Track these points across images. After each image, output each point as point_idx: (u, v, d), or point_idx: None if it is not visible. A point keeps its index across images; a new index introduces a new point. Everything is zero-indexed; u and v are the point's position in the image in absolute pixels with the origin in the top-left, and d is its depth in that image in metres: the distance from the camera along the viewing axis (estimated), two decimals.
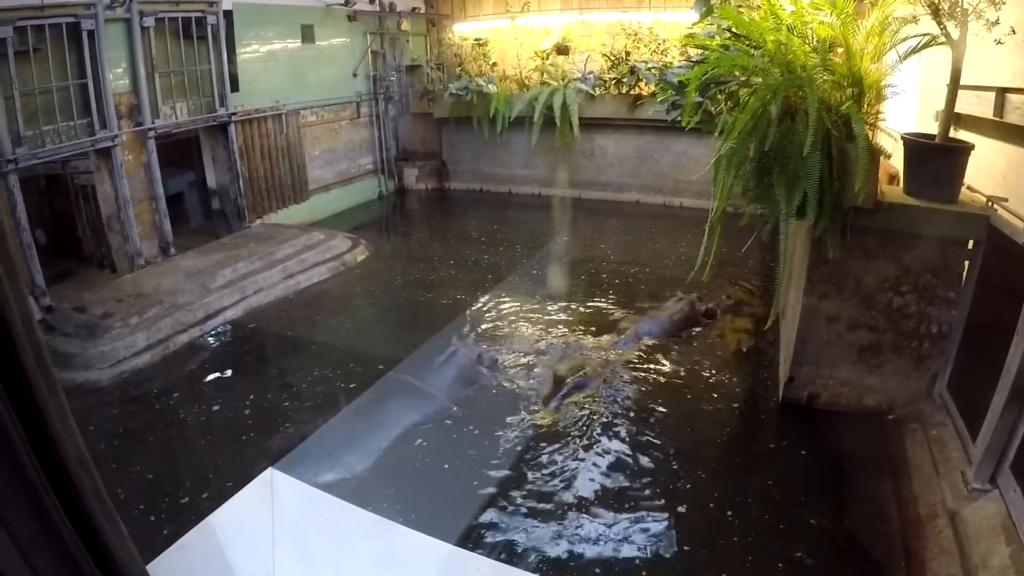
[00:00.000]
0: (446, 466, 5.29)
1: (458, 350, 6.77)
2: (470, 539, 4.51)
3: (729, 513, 4.72)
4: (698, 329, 7.59)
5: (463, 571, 2.52)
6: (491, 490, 5.01)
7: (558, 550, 4.44)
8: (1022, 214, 4.15)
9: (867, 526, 4.49)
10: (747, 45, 5.15)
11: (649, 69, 12.19)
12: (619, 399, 6.19)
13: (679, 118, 6.24)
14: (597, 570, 4.29)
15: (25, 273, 7.38)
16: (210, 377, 6.92)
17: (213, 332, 7.79)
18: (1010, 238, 4.29)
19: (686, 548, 4.44)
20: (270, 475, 2.76)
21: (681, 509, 4.77)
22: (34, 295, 7.45)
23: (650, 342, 7.23)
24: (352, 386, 6.54)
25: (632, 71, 12.56)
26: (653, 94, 12.16)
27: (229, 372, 7.00)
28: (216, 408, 6.35)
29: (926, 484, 4.48)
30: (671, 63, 11.85)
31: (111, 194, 8.61)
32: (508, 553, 4.41)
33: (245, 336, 7.84)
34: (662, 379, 6.54)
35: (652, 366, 6.79)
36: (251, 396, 6.44)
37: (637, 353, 7.00)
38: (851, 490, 4.88)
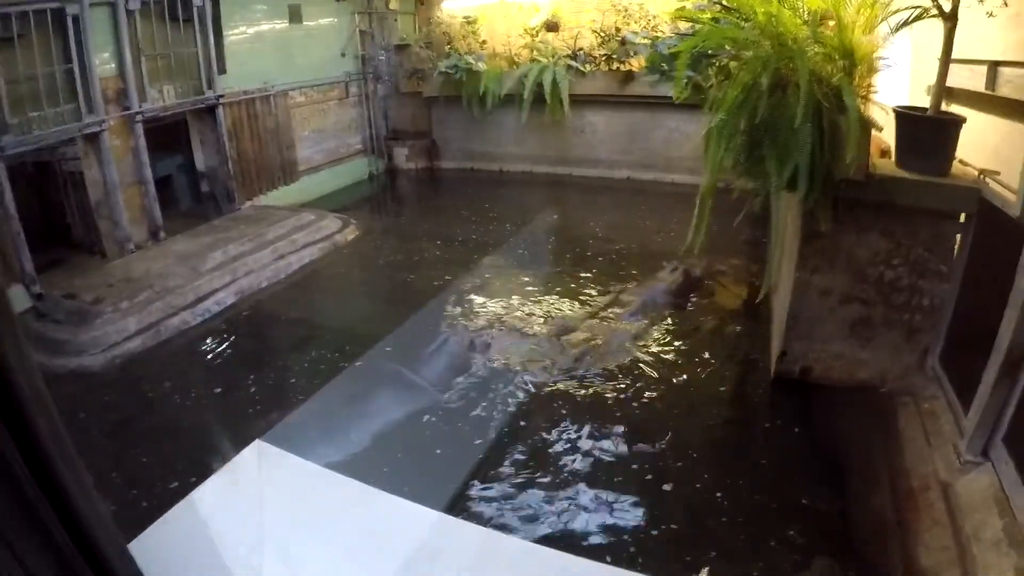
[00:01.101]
0: (438, 451, 5.30)
1: (448, 338, 6.72)
2: (457, 509, 4.54)
3: (719, 494, 4.74)
4: (695, 298, 7.60)
5: (454, 538, 2.52)
6: (479, 461, 5.05)
7: (544, 526, 4.47)
8: (1014, 187, 4.14)
9: (860, 499, 4.52)
10: (738, 18, 5.11)
11: (641, 41, 12.11)
12: (620, 370, 6.22)
13: (670, 92, 6.21)
14: (583, 544, 4.32)
15: (15, 261, 7.34)
16: (202, 359, 6.91)
17: (204, 315, 7.74)
18: (1002, 211, 4.27)
19: (673, 527, 4.47)
20: (257, 447, 2.74)
21: (672, 485, 4.80)
22: (24, 282, 7.41)
23: (652, 313, 7.24)
24: (344, 366, 6.54)
25: (623, 42, 12.46)
26: (644, 69, 12.11)
27: (221, 354, 6.99)
28: (209, 390, 6.35)
29: (918, 457, 4.48)
30: (662, 36, 11.80)
31: (99, 180, 8.54)
32: (496, 524, 4.43)
33: (237, 318, 7.81)
34: (659, 352, 6.55)
35: (652, 338, 6.82)
36: (244, 377, 6.43)
37: (639, 324, 7.01)
38: (844, 463, 4.90)
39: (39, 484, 1.03)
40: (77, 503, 1.09)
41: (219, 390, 6.33)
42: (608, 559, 4.12)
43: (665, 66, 7.29)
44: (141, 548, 1.96)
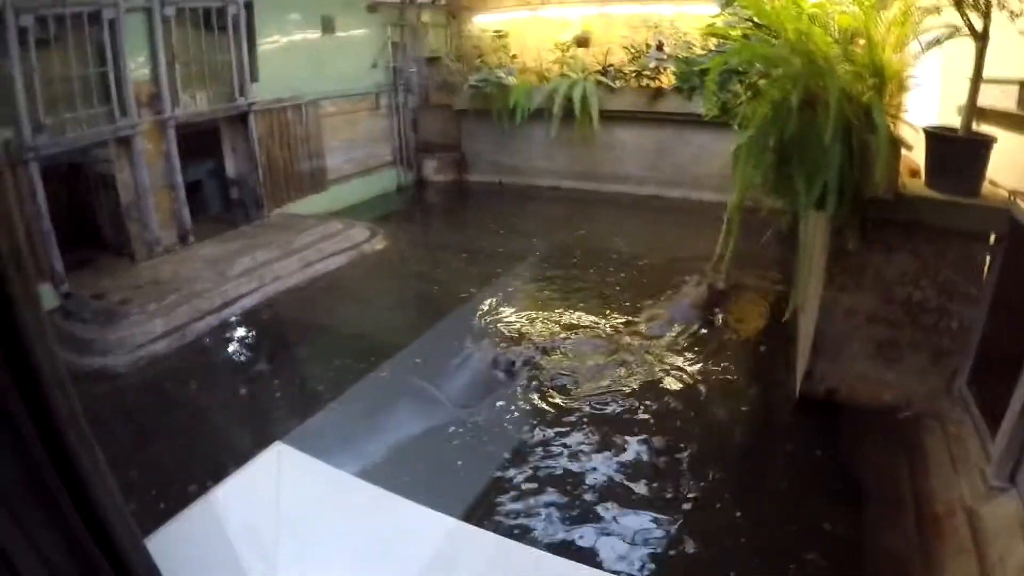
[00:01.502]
0: (458, 463, 5.31)
1: (473, 354, 6.62)
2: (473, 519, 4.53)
3: (738, 514, 4.69)
4: (720, 314, 7.57)
5: (470, 546, 2.51)
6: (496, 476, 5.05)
7: (559, 541, 4.47)
8: None
9: (883, 524, 4.45)
10: (768, 35, 5.11)
11: (671, 54, 12.13)
12: (643, 387, 6.22)
13: (699, 109, 6.21)
14: (598, 560, 4.31)
15: (44, 260, 7.45)
16: (227, 363, 6.96)
17: (230, 319, 7.81)
18: None
19: (690, 549, 4.43)
20: (277, 449, 2.75)
21: (692, 505, 4.76)
22: (53, 281, 7.54)
23: (677, 329, 7.21)
24: (366, 374, 6.55)
25: (660, 47, 12.41)
26: (674, 87, 12.11)
27: (245, 358, 7.04)
28: (232, 393, 6.40)
29: (944, 481, 4.42)
30: (693, 52, 11.80)
31: (130, 182, 8.67)
32: (511, 535, 4.41)
33: (262, 323, 7.87)
34: (683, 370, 6.52)
35: (676, 355, 6.80)
36: (267, 382, 6.48)
37: (664, 341, 7.01)
38: (868, 487, 4.84)
39: (57, 469, 1.04)
40: (94, 490, 1.10)
41: (242, 393, 6.38)
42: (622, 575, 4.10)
43: (696, 79, 7.30)
44: (157, 544, 1.97)
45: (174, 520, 2.24)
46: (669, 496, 4.86)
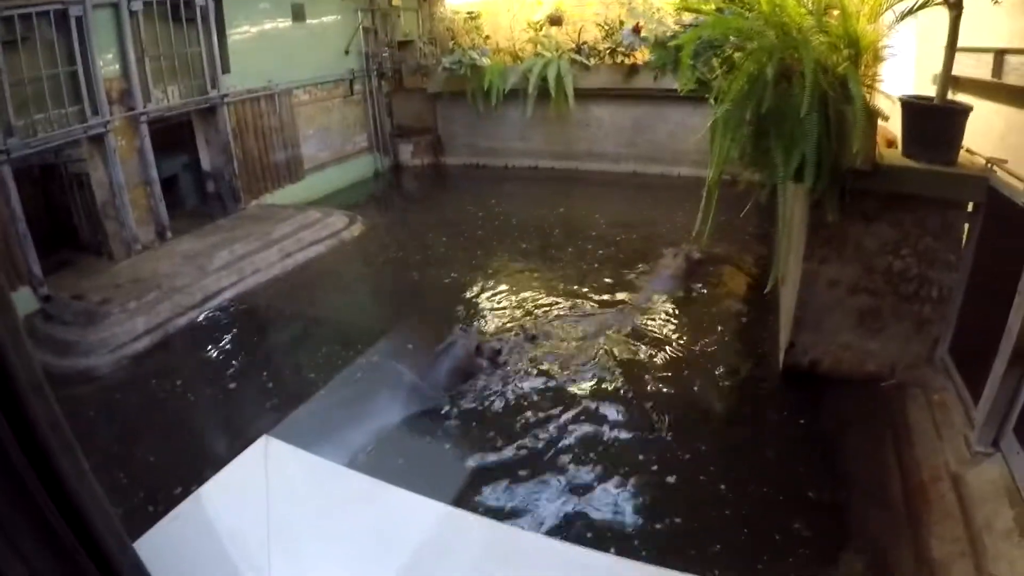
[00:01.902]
0: (445, 447, 5.33)
1: (457, 341, 6.47)
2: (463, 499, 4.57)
3: (723, 486, 4.72)
4: (701, 287, 7.62)
5: (461, 531, 2.51)
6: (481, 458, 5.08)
7: (548, 517, 4.49)
8: (1022, 175, 4.11)
9: (869, 492, 4.49)
10: (741, 8, 5.08)
11: (646, 35, 12.07)
12: (626, 363, 6.24)
13: (675, 85, 6.21)
14: (589, 535, 4.34)
15: (22, 263, 7.36)
16: (211, 358, 6.91)
17: (212, 314, 7.74)
18: (1010, 200, 4.24)
19: (676, 520, 4.47)
20: (265, 442, 2.73)
21: (676, 478, 4.79)
22: (32, 285, 7.45)
23: (658, 304, 7.27)
24: (352, 362, 6.53)
25: (636, 30, 12.32)
26: (647, 63, 12.09)
27: (229, 353, 6.99)
28: (218, 388, 6.35)
29: (929, 448, 4.46)
30: (666, 32, 11.76)
31: (105, 181, 8.55)
32: (499, 515, 4.46)
33: (244, 316, 7.81)
34: (666, 345, 6.54)
35: (658, 330, 6.85)
36: (253, 375, 6.43)
37: (645, 317, 7.07)
38: (853, 457, 4.88)
39: (38, 474, 1.02)
40: (78, 494, 1.08)
41: (228, 388, 6.33)
42: (612, 550, 4.11)
43: (669, 55, 7.30)
44: (148, 545, 1.96)
45: (164, 520, 2.22)
46: (654, 468, 4.89)
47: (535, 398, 5.81)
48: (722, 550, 4.19)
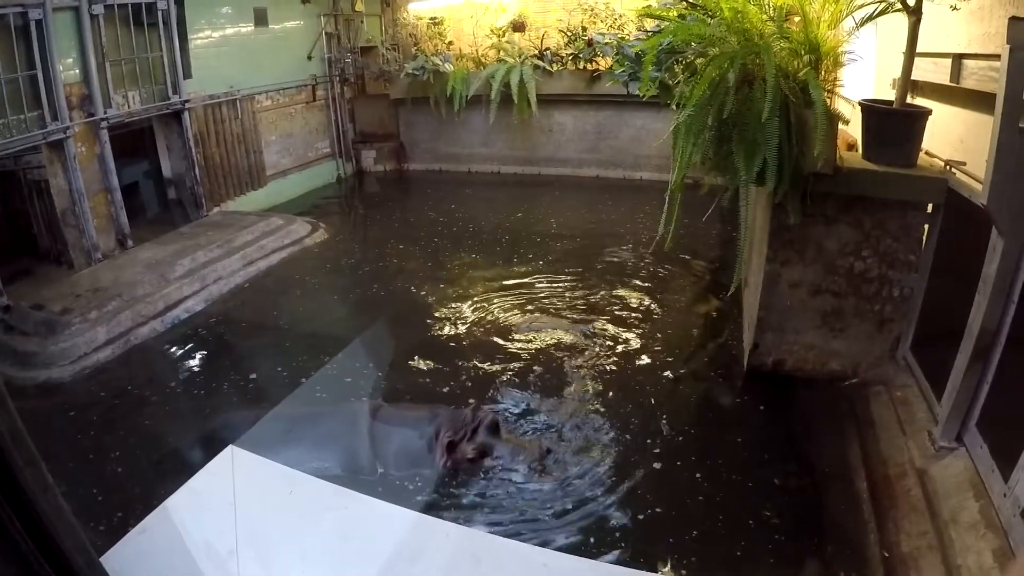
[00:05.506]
0: None
1: (438, 417, 5.22)
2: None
3: (699, 496, 4.73)
4: (667, 295, 7.67)
5: (431, 537, 2.50)
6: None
7: (521, 516, 4.49)
8: (979, 176, 4.19)
9: (836, 488, 4.54)
10: (704, 14, 5.14)
11: (607, 42, 12.12)
12: (591, 369, 6.25)
13: (637, 91, 6.24)
14: (570, 530, 4.34)
15: None
16: (173, 368, 6.81)
17: (174, 323, 7.62)
18: (969, 200, 4.33)
19: (657, 510, 4.50)
20: (230, 452, 2.70)
21: (647, 481, 4.80)
22: None
23: (622, 309, 7.32)
24: (313, 374, 6.44)
25: (590, 43, 12.48)
26: (611, 69, 12.14)
27: (191, 362, 6.89)
28: (180, 399, 6.25)
29: (893, 444, 4.54)
30: (628, 36, 11.82)
31: (65, 188, 8.37)
32: (471, 510, 4.51)
33: (207, 325, 7.70)
34: (631, 350, 6.56)
35: (622, 334, 6.86)
36: (216, 385, 6.34)
37: (609, 322, 7.10)
38: (819, 454, 4.93)
39: (0, 489, 0.99)
40: (43, 509, 1.05)
41: (191, 397, 6.23)
42: (587, 545, 4.13)
43: (632, 66, 7.33)
44: (117, 559, 1.92)
45: (132, 533, 2.19)
46: (630, 467, 4.91)
47: (513, 407, 5.80)
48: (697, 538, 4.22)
